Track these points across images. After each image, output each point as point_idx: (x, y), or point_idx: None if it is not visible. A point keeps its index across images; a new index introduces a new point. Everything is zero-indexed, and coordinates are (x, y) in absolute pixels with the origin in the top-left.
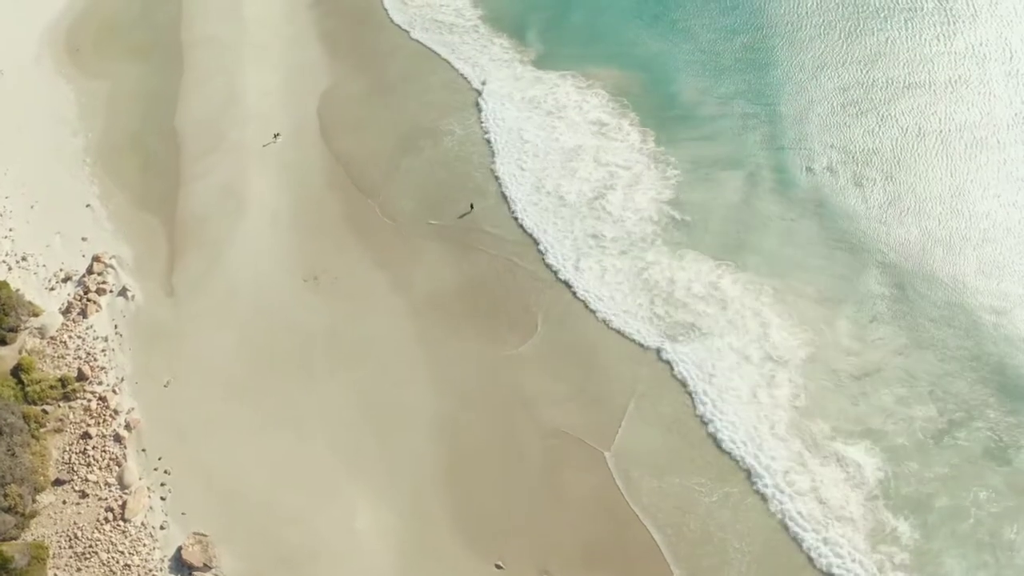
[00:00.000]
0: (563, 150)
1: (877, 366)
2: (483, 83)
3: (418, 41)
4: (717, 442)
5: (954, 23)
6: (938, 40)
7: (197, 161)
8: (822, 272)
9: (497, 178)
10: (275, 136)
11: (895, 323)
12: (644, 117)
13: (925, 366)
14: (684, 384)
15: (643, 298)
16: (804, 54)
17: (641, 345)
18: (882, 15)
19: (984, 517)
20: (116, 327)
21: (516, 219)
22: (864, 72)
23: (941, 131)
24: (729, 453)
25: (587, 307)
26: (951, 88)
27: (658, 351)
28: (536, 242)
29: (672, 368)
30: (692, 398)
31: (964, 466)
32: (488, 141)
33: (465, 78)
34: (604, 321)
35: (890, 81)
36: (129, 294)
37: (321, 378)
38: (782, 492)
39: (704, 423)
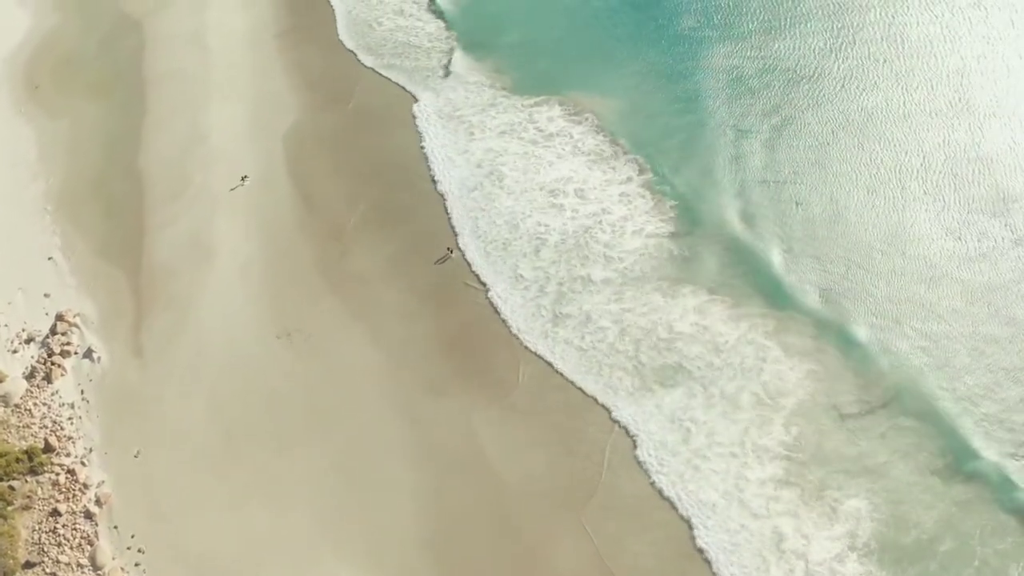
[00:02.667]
0: (544, 184)
1: (881, 401)
2: (415, 101)
3: (381, 72)
4: (675, 510)
5: None
6: None
7: (162, 207)
8: (824, 304)
9: (471, 217)
10: (243, 179)
11: (901, 355)
12: (635, 145)
13: (933, 393)
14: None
15: (628, 345)
16: (805, 75)
17: (608, 412)
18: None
19: (989, 556)
20: (83, 392)
21: (490, 264)
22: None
23: None
24: (688, 521)
25: (555, 369)
26: None
27: (625, 427)
28: (511, 291)
29: (635, 442)
30: (648, 472)
31: (973, 502)
32: (447, 175)
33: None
34: (575, 384)
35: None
36: (95, 355)
37: (298, 444)
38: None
39: (665, 495)
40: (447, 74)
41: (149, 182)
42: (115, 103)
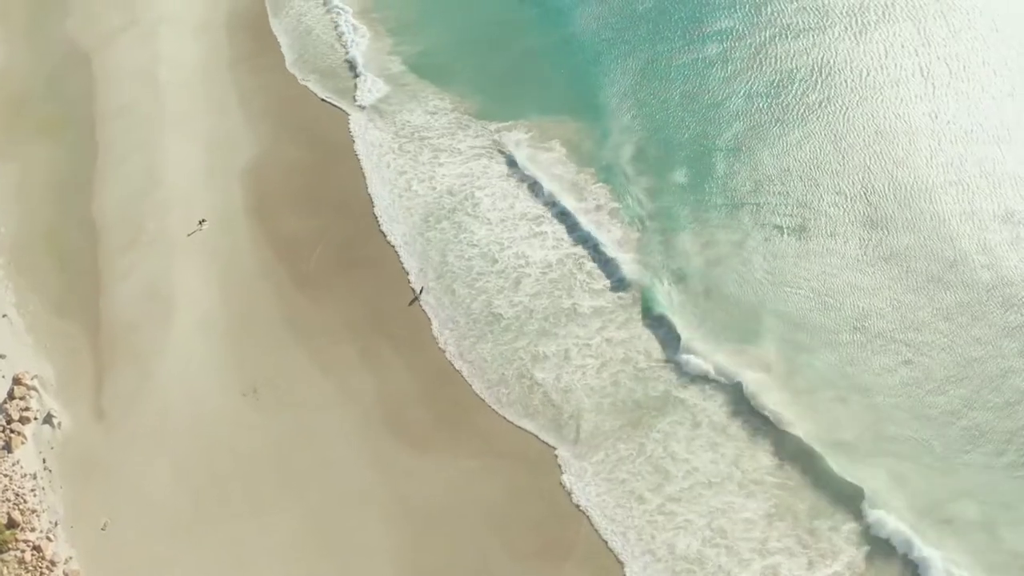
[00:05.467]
0: (519, 213)
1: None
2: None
3: (335, 100)
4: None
5: None
6: None
7: (118, 257)
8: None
9: (441, 251)
10: (200, 223)
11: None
12: (601, 171)
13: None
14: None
15: (606, 380)
16: (780, 90)
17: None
18: None
19: None
20: (44, 461)
21: (464, 304)
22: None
23: None
24: None
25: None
26: None
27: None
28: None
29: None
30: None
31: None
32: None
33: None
34: (543, 439)
35: None
36: (55, 420)
37: (270, 508)
38: None
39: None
40: (360, 108)
41: (104, 230)
42: (66, 144)
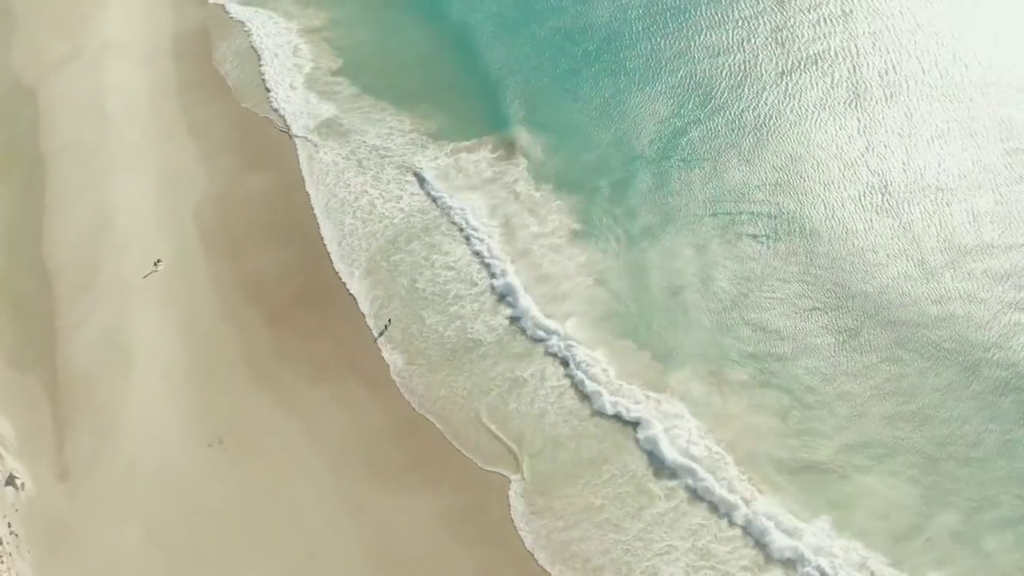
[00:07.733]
0: (490, 232)
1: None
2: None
3: (289, 125)
4: None
5: None
6: None
7: (73, 303)
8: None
9: (410, 276)
10: (156, 263)
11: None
12: (560, 188)
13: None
14: None
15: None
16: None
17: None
18: None
19: None
20: (10, 526)
21: (437, 332)
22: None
23: None
24: None
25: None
26: None
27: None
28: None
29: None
30: None
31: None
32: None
33: None
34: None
35: None
36: (18, 482)
37: (245, 565)
38: None
39: None
40: (309, 132)
41: (56, 274)
42: (12, 185)
